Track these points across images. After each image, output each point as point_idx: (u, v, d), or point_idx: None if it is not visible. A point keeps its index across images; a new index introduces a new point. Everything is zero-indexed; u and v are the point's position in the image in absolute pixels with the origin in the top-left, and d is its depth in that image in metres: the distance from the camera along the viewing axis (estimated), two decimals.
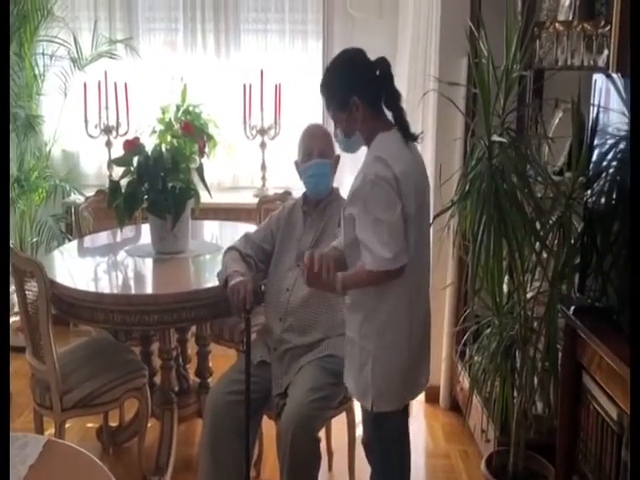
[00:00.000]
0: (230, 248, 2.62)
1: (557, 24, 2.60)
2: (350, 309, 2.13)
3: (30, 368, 2.66)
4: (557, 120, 2.84)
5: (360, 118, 2.02)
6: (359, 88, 2.02)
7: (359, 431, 2.79)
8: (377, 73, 2.04)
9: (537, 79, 3.01)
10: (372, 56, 3.69)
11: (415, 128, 3.48)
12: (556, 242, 2.31)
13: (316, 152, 2.56)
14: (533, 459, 2.53)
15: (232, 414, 2.41)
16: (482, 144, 2.39)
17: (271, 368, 2.53)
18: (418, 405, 3.55)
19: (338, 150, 2.57)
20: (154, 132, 4.07)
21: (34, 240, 4.27)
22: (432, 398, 3.54)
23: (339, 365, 2.43)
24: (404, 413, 2.26)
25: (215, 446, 2.43)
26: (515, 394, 2.48)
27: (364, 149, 2.15)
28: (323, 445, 2.93)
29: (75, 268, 3.03)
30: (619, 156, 2.05)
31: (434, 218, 2.42)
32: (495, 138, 2.33)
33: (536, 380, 2.41)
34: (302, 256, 2.51)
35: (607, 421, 1.81)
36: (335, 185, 2.71)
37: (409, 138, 2.06)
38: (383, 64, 2.06)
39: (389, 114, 2.08)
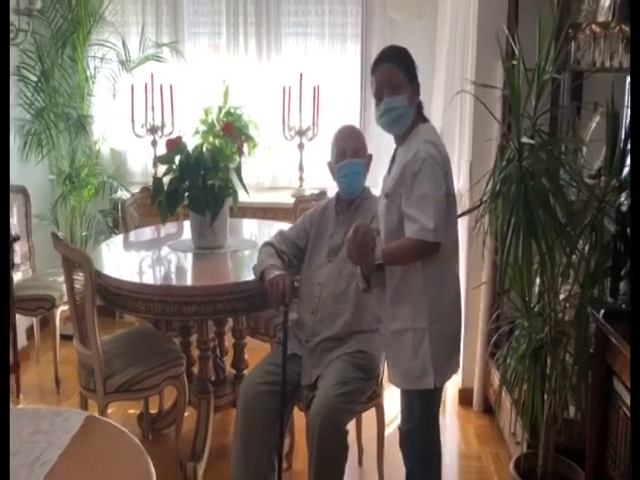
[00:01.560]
0: (266, 244, 2.71)
1: (594, 25, 2.60)
2: (394, 302, 2.21)
3: (77, 354, 2.81)
4: (594, 123, 2.84)
5: (416, 99, 2.22)
6: (417, 78, 2.24)
7: (389, 429, 2.86)
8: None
9: (575, 81, 3.01)
10: None
11: (452, 129, 3.59)
12: (587, 246, 2.31)
13: (349, 152, 2.61)
14: (563, 463, 2.52)
15: (263, 404, 2.48)
16: (512, 146, 2.42)
17: (302, 361, 2.59)
18: (452, 407, 3.58)
19: (369, 150, 2.67)
20: (197, 132, 4.21)
21: (84, 234, 4.44)
22: (466, 400, 3.55)
23: (368, 361, 2.49)
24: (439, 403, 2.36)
25: (246, 434, 2.50)
26: (545, 397, 2.47)
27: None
28: (353, 440, 2.98)
29: (120, 260, 3.18)
30: None
31: (461, 214, 2.47)
32: (524, 140, 2.35)
33: (567, 384, 2.39)
34: (333, 253, 2.61)
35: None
36: (368, 184, 2.76)
37: None
38: None
39: None
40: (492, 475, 3.01)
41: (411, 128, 2.20)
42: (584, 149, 2.72)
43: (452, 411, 3.57)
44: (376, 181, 2.85)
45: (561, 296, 2.42)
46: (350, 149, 2.61)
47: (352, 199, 2.68)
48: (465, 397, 3.55)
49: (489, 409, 3.42)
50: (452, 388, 3.65)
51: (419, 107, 2.25)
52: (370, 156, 2.71)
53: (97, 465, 1.49)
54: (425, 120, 2.26)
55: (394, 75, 2.19)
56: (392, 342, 2.26)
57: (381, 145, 3.39)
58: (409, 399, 2.27)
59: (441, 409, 3.45)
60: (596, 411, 2.05)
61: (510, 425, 2.86)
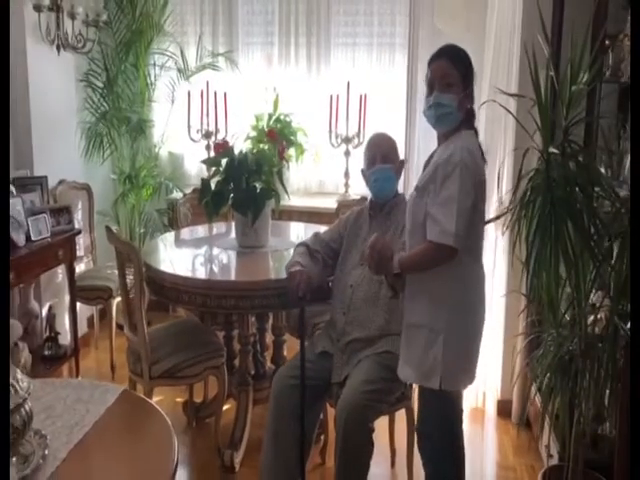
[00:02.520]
0: (300, 244, 2.84)
1: None
2: (412, 297, 2.26)
3: (127, 341, 3.03)
4: None
5: (466, 105, 2.23)
6: (472, 86, 2.26)
7: None
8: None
9: (624, 93, 3.03)
10: None
11: (497, 138, 3.61)
12: (615, 257, 2.28)
13: (379, 158, 2.69)
14: (592, 477, 2.49)
15: (292, 397, 2.57)
16: (541, 155, 2.47)
17: (333, 358, 2.68)
18: (490, 419, 3.62)
19: (411, 155, 2.71)
20: (248, 138, 4.41)
21: (141, 231, 4.69)
22: (504, 412, 3.56)
23: (396, 362, 2.51)
24: (461, 399, 2.36)
25: (276, 426, 2.61)
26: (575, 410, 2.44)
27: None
28: (386, 442, 3.10)
29: (169, 255, 3.40)
30: None
31: (487, 222, 2.50)
32: (551, 150, 2.41)
33: (597, 398, 2.35)
34: (364, 258, 2.62)
35: None
36: (401, 190, 2.87)
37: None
38: None
39: None
40: None
41: (454, 131, 2.23)
42: (627, 160, 2.73)
43: (491, 423, 3.60)
44: (410, 187, 2.96)
45: (591, 307, 2.40)
46: (380, 154, 2.69)
47: (384, 203, 2.75)
48: (504, 409, 3.56)
49: (527, 422, 3.39)
50: (491, 400, 3.69)
51: (469, 114, 2.27)
52: (402, 162, 2.79)
53: (127, 433, 1.67)
54: (471, 128, 2.27)
55: (449, 73, 2.20)
56: (406, 335, 2.31)
57: (426, 151, 3.47)
58: (424, 400, 2.32)
59: (480, 421, 3.52)
60: (625, 427, 2.00)
61: (542, 437, 2.87)
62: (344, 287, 2.73)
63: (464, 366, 2.26)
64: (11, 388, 1.35)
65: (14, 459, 1.41)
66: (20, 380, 1.40)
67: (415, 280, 2.27)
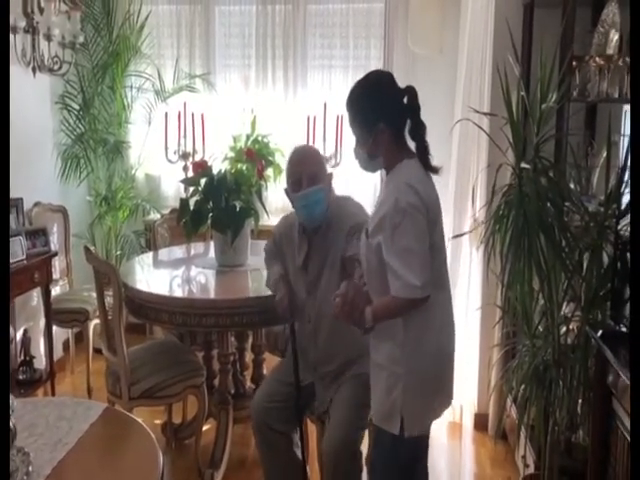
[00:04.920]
0: (267, 250, 2.80)
1: (598, 58, 2.75)
2: (376, 336, 2.09)
3: (105, 361, 3.01)
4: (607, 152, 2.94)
5: (385, 143, 2.00)
6: (387, 114, 1.99)
7: None
8: (404, 101, 2.01)
9: (590, 112, 3.15)
10: (433, 91, 3.88)
11: (470, 155, 3.68)
12: (585, 269, 2.36)
13: (305, 180, 2.43)
14: None
15: (276, 420, 2.60)
16: (513, 171, 2.55)
17: (314, 386, 2.62)
18: (467, 432, 3.66)
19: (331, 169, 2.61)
20: (226, 159, 4.43)
21: (118, 253, 4.67)
22: (481, 425, 3.61)
23: None
24: (424, 439, 2.19)
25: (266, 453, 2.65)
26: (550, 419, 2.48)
27: None
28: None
29: (147, 275, 3.40)
30: None
31: (455, 236, 2.52)
32: (523, 165, 2.48)
33: (570, 406, 2.42)
34: (312, 287, 2.53)
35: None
36: (345, 194, 2.75)
37: (430, 170, 2.05)
38: (411, 93, 2.02)
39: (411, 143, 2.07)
40: None
41: (394, 164, 2.04)
42: (595, 176, 2.83)
43: (468, 436, 3.64)
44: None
45: (563, 318, 2.46)
46: (306, 176, 2.44)
47: (316, 227, 2.51)
48: (480, 422, 3.60)
49: (504, 434, 3.44)
50: (468, 413, 3.74)
51: (402, 142, 2.05)
52: (330, 175, 2.53)
53: (111, 448, 1.68)
54: (411, 155, 2.04)
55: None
56: (372, 372, 2.15)
57: None
58: (379, 432, 2.14)
59: (457, 434, 3.54)
60: (597, 432, 2.03)
61: (517, 447, 2.91)
62: (303, 319, 2.60)
63: (425, 413, 2.10)
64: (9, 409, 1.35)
65: None
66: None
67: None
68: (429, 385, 2.06)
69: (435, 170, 2.07)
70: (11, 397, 1.44)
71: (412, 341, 2.01)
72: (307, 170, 2.45)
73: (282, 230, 2.71)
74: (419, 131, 2.03)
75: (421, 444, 2.16)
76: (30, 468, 1.47)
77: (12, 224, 3.63)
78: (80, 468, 1.59)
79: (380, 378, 2.08)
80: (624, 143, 2.38)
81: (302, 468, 2.73)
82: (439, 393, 2.12)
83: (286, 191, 2.54)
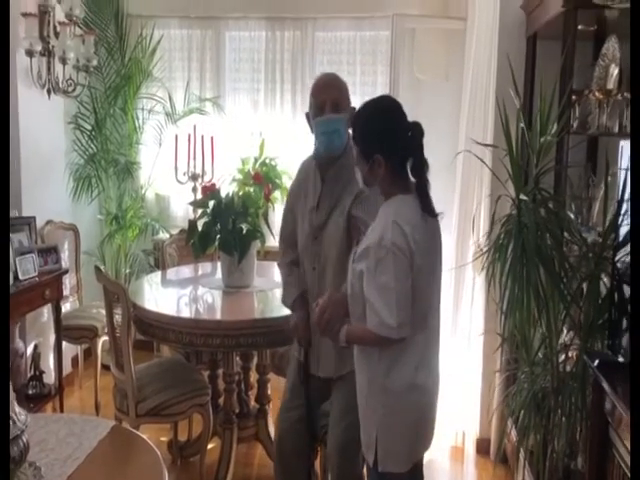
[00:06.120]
0: (281, 265, 2.65)
1: (597, 92, 2.82)
2: (357, 356, 2.08)
3: (113, 378, 3.07)
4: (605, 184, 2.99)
5: (381, 174, 1.95)
6: (385, 146, 1.92)
7: None
8: (409, 134, 1.94)
9: (592, 144, 3.21)
10: (437, 118, 3.91)
11: (473, 185, 3.73)
12: (582, 299, 2.39)
13: (329, 105, 2.31)
14: None
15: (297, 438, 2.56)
16: (513, 202, 2.61)
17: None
18: (469, 456, 3.67)
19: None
20: (234, 180, 4.53)
21: (127, 271, 4.75)
22: (483, 450, 3.62)
23: None
24: (415, 476, 2.15)
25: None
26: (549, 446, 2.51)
27: None
28: None
29: (156, 294, 3.47)
30: None
31: (461, 265, 2.58)
32: (522, 197, 2.55)
33: (569, 433, 2.44)
34: (319, 231, 2.40)
35: (626, 472, 1.78)
36: None
37: (427, 212, 1.98)
38: (416, 128, 1.95)
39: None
40: None
41: (388, 196, 2.00)
42: (596, 207, 2.88)
43: (470, 461, 3.65)
44: None
45: (562, 346, 2.50)
46: (330, 102, 2.31)
47: (331, 160, 2.39)
48: (482, 447, 3.62)
49: (505, 458, 3.45)
50: (470, 438, 3.76)
51: (401, 176, 1.99)
52: (353, 109, 2.33)
53: (118, 464, 1.74)
54: (409, 191, 1.98)
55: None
56: (357, 390, 2.10)
57: None
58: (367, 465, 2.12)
59: (459, 459, 3.57)
60: (594, 461, 2.02)
61: (520, 472, 2.91)
62: (309, 267, 2.49)
63: (403, 451, 2.02)
64: (10, 420, 1.41)
65: None
66: (18, 413, 1.46)
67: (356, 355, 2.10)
68: (404, 424, 2.00)
69: (432, 213, 2.00)
70: (24, 413, 1.50)
71: (382, 372, 1.97)
72: (331, 97, 2.33)
73: (301, 169, 2.61)
74: (420, 169, 1.97)
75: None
76: None
77: (25, 242, 3.71)
78: None
79: (361, 402, 2.06)
80: (621, 176, 2.43)
81: None
82: (417, 434, 2.05)
83: (307, 115, 2.43)
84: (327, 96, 2.33)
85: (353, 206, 2.31)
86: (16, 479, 1.49)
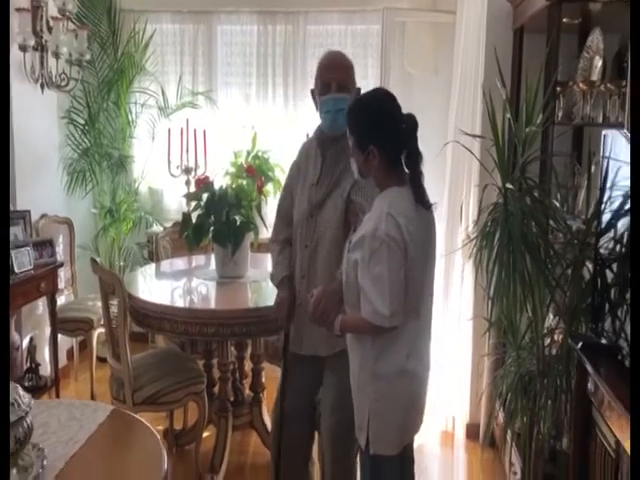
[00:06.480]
0: (273, 242, 2.66)
1: (581, 84, 2.89)
2: (350, 341, 2.13)
3: (110, 369, 3.12)
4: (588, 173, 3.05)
5: (375, 166, 1.99)
6: (381, 139, 1.97)
7: None
8: (403, 126, 1.98)
9: (577, 134, 3.28)
10: (428, 111, 4.00)
11: (461, 175, 3.81)
12: (567, 284, 2.45)
13: (334, 85, 2.33)
14: None
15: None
16: (500, 191, 2.67)
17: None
18: (459, 441, 3.75)
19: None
20: (227, 174, 4.57)
21: (121, 264, 4.80)
22: (473, 435, 3.69)
23: None
24: (406, 459, 2.21)
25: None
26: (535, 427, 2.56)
27: None
28: None
29: (150, 286, 3.52)
30: (626, 207, 2.13)
31: (451, 252, 2.64)
32: (508, 185, 2.61)
33: (554, 415, 2.49)
34: (316, 209, 2.41)
35: (609, 452, 1.81)
36: None
37: (421, 203, 2.02)
38: (410, 120, 1.99)
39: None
40: None
41: (383, 187, 2.05)
42: (581, 195, 2.94)
43: (460, 445, 3.73)
44: None
45: (547, 330, 2.56)
46: (335, 82, 2.33)
47: (335, 137, 2.39)
48: (472, 432, 3.69)
49: (493, 441, 3.52)
50: (460, 423, 3.84)
51: (395, 168, 2.03)
52: (359, 90, 2.39)
53: (119, 445, 1.80)
54: (403, 183, 2.02)
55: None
56: (350, 374, 2.15)
57: None
58: (359, 449, 2.17)
59: (449, 444, 3.63)
60: (577, 441, 2.07)
61: (510, 457, 2.98)
62: (300, 246, 2.49)
63: (394, 434, 2.09)
64: (14, 403, 1.47)
65: (14, 471, 1.52)
66: (22, 396, 1.52)
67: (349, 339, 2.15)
68: (394, 408, 2.06)
69: (426, 204, 2.05)
70: (28, 396, 1.56)
71: (373, 358, 2.02)
72: (337, 78, 2.34)
73: (302, 150, 2.64)
74: (414, 160, 2.01)
75: (398, 463, 2.13)
76: (45, 462, 1.59)
77: (20, 235, 3.76)
78: (91, 463, 1.71)
79: (354, 385, 2.11)
80: (604, 165, 2.49)
81: None
82: (407, 419, 2.11)
83: (312, 93, 2.45)
84: (333, 77, 2.34)
85: (353, 191, 2.34)
86: (20, 460, 1.55)
